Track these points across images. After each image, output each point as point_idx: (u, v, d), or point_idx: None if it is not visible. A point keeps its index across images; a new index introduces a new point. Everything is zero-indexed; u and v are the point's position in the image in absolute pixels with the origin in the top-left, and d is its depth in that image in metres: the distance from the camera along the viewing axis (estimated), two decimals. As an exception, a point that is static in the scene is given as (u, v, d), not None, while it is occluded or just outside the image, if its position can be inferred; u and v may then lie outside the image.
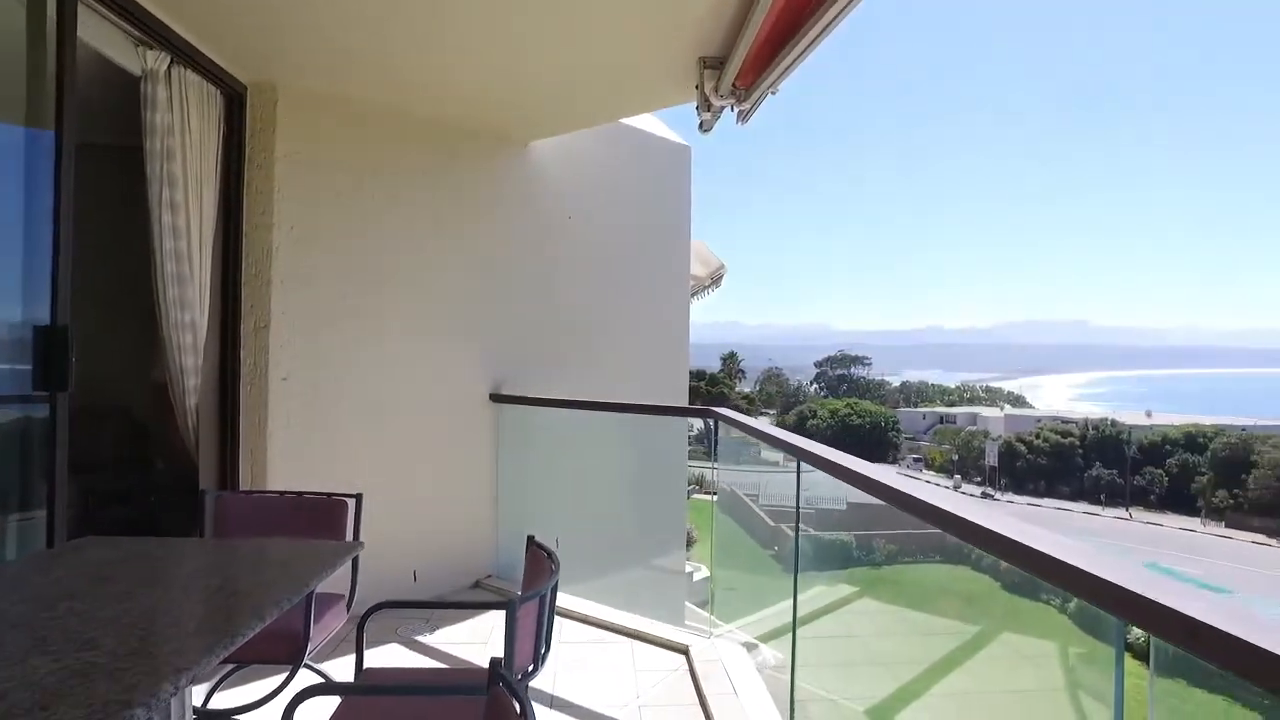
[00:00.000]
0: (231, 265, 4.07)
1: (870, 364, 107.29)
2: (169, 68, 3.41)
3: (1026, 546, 1.35)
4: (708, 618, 4.24)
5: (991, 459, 63.46)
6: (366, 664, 2.42)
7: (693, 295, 7.89)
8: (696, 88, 3.71)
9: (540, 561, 2.11)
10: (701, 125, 4.07)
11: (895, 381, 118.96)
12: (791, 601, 3.63)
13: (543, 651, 1.99)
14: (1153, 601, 1.06)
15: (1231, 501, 52.46)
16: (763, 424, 3.42)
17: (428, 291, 4.77)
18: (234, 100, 4.03)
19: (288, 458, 4.14)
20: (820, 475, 2.59)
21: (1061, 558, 1.26)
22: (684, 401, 6.54)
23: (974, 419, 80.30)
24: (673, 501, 5.96)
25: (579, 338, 5.74)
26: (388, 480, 4.53)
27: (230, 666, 3.08)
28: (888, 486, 1.85)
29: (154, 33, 3.27)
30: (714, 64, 3.57)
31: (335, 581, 2.92)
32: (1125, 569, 1.23)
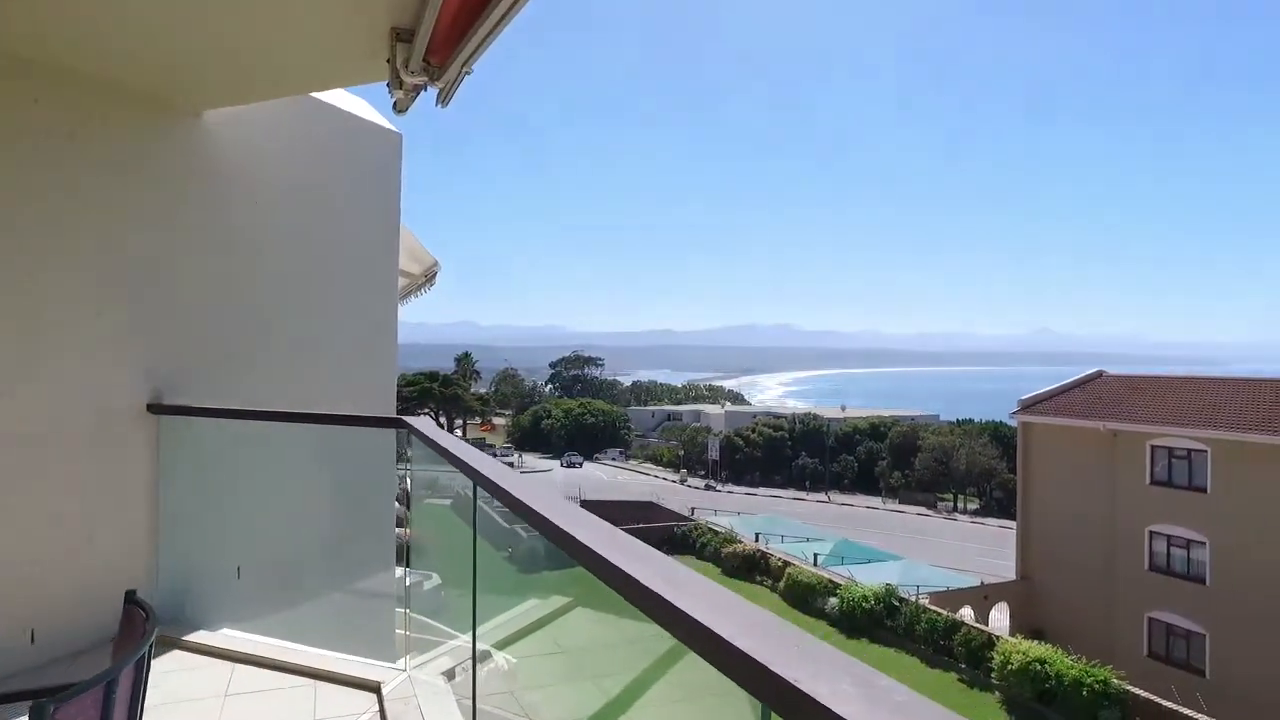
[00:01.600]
0: None
1: (603, 365, 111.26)
2: None
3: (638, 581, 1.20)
4: (407, 637, 3.85)
5: (714, 453, 68.43)
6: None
7: (407, 294, 7.36)
8: (388, 61, 3.33)
9: (133, 625, 1.63)
10: (396, 105, 3.68)
11: (627, 381, 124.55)
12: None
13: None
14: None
15: (903, 481, 61.60)
16: (448, 439, 3.12)
17: (51, 283, 3.85)
18: None
19: None
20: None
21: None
22: (393, 408, 6.03)
23: (698, 416, 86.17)
24: (380, 516, 5.44)
25: (270, 339, 5.01)
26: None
27: None
28: (522, 502, 1.85)
29: None
30: (405, 36, 3.21)
31: None
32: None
